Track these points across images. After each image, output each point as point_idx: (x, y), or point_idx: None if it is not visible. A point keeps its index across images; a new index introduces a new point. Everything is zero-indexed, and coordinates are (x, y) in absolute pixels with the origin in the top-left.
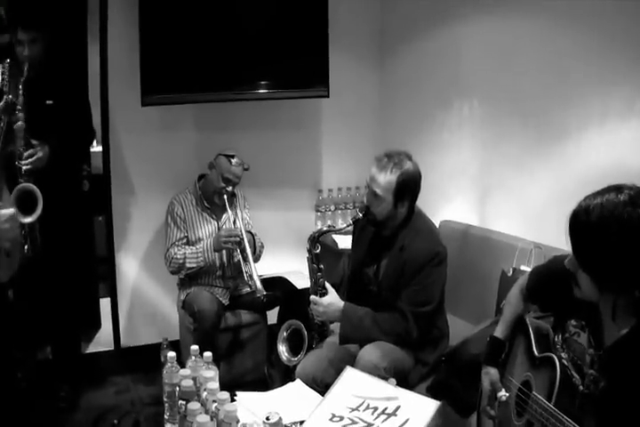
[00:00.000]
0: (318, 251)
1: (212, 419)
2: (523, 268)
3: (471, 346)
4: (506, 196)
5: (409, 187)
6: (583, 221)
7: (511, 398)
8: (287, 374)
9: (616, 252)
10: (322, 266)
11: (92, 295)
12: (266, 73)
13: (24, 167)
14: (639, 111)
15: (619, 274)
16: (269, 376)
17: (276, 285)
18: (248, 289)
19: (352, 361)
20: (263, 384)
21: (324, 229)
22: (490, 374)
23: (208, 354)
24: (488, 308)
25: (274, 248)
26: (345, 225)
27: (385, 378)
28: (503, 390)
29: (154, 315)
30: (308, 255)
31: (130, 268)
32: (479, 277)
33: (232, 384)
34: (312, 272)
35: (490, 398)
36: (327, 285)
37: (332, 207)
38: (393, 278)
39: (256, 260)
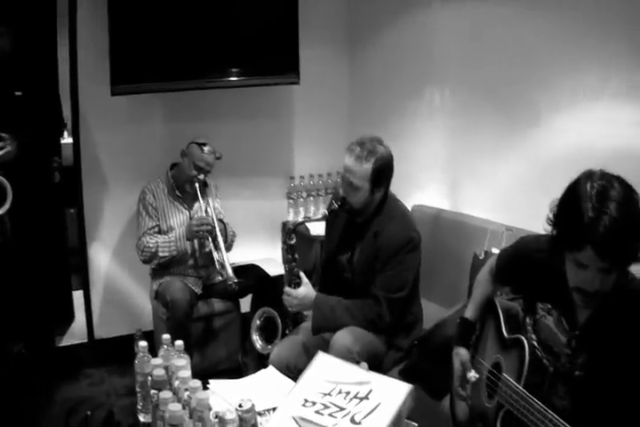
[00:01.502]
0: (293, 242)
1: (184, 407)
2: (494, 250)
3: (444, 329)
4: (477, 181)
5: (384, 172)
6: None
7: (482, 381)
8: (261, 362)
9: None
10: (297, 256)
11: (65, 288)
12: (236, 61)
13: None
14: (609, 94)
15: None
16: (243, 365)
17: (249, 272)
18: (220, 278)
19: (326, 347)
20: (237, 373)
21: (300, 220)
22: (460, 354)
23: (179, 343)
24: (461, 291)
25: (246, 236)
26: (320, 216)
27: (357, 362)
28: (473, 371)
29: (127, 306)
30: (282, 246)
31: (102, 259)
32: (452, 261)
33: (206, 373)
34: (287, 262)
35: (461, 379)
36: (302, 274)
37: (305, 194)
38: (367, 264)
39: (228, 248)
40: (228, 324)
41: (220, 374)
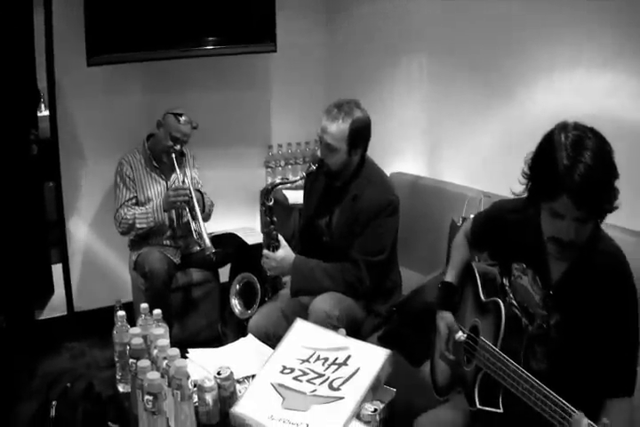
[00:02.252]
0: (271, 203)
1: (162, 376)
2: (472, 217)
3: (422, 295)
4: (455, 148)
5: (361, 134)
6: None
7: (460, 345)
8: (241, 332)
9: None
10: (275, 219)
11: (44, 261)
12: (213, 29)
13: None
14: (586, 62)
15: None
16: (223, 334)
17: (227, 241)
18: (198, 248)
19: (304, 313)
20: (217, 343)
21: (277, 181)
22: (445, 318)
23: (157, 312)
24: (439, 258)
25: (224, 206)
26: (298, 177)
27: (336, 327)
28: (460, 331)
29: (106, 278)
30: (261, 208)
31: (81, 232)
32: (430, 227)
33: (186, 343)
34: (265, 225)
35: (447, 342)
36: (280, 238)
37: (283, 163)
38: (346, 228)
39: (206, 218)
40: (208, 294)
41: (200, 344)
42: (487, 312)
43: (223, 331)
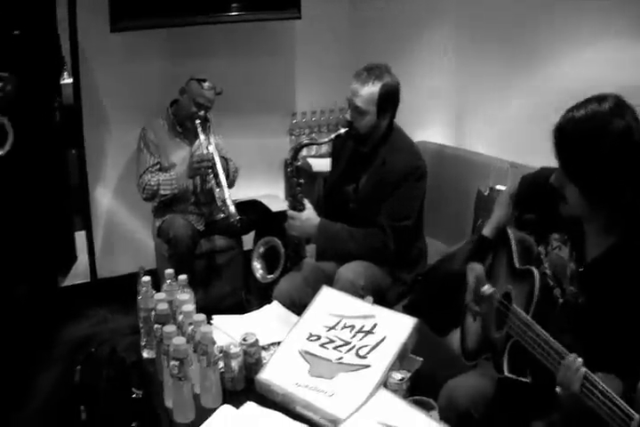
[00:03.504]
0: (299, 163)
1: (188, 341)
2: (499, 187)
3: (448, 264)
4: (481, 116)
5: (390, 98)
6: (569, 133)
7: (492, 310)
8: (265, 299)
9: (605, 161)
10: (302, 180)
11: (67, 229)
12: None
13: None
14: (613, 33)
15: (609, 184)
16: (247, 301)
17: (251, 208)
18: (222, 215)
19: (329, 281)
20: (241, 309)
21: (306, 141)
22: (475, 269)
23: (183, 277)
24: (464, 228)
25: (248, 173)
26: (326, 139)
27: (362, 296)
28: (488, 284)
29: (130, 245)
30: (287, 169)
31: (104, 198)
32: (455, 197)
33: (209, 310)
34: (291, 187)
35: (474, 294)
36: (305, 201)
37: (307, 131)
38: (372, 194)
39: (231, 185)
40: (231, 261)
41: (224, 311)
42: (521, 280)
43: (247, 298)
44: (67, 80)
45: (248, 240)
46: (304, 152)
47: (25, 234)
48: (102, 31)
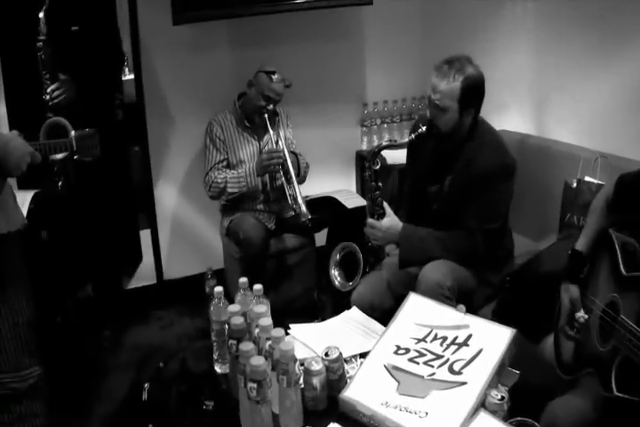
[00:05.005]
0: (378, 167)
1: (265, 358)
2: (588, 179)
3: (538, 264)
4: (566, 102)
5: (474, 92)
6: None
7: (594, 320)
8: (339, 299)
9: None
10: (380, 184)
11: (132, 228)
12: None
13: (51, 102)
14: None
15: None
16: (320, 302)
17: (324, 205)
18: (293, 213)
19: (411, 283)
20: (313, 311)
21: (385, 143)
22: (570, 291)
23: (258, 287)
24: (550, 222)
25: (319, 166)
26: (407, 140)
27: (449, 298)
28: (582, 310)
29: (196, 244)
30: (366, 172)
31: (169, 197)
32: (540, 190)
33: (281, 312)
34: (369, 191)
35: (569, 318)
36: (385, 205)
37: (379, 121)
38: (459, 195)
39: (301, 181)
40: (303, 260)
41: (296, 312)
42: (629, 288)
43: (320, 298)
44: (128, 76)
45: (320, 237)
46: (375, 144)
47: (90, 234)
48: (163, 23)
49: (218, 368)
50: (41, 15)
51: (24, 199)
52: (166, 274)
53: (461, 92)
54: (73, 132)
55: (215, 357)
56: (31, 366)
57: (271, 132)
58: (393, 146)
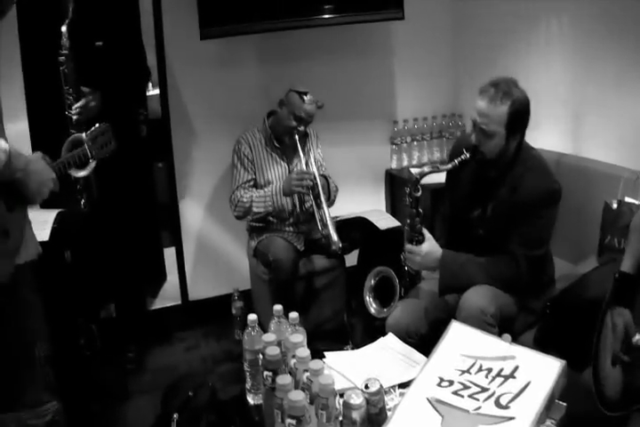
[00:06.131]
0: (419, 194)
1: (303, 390)
2: (629, 200)
3: (580, 289)
4: (603, 120)
5: (521, 116)
6: None
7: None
8: (369, 322)
9: None
10: (421, 211)
11: (156, 247)
12: None
13: (74, 117)
14: None
15: None
16: (350, 325)
17: (355, 226)
18: (323, 239)
19: (449, 309)
20: (343, 334)
21: (427, 170)
22: (623, 315)
23: (294, 315)
24: (590, 245)
25: (348, 185)
26: (450, 166)
27: (492, 325)
28: (638, 334)
29: (222, 264)
30: (408, 199)
31: (194, 215)
32: (577, 212)
33: (309, 335)
34: (410, 218)
35: (623, 343)
36: (425, 231)
37: (409, 139)
38: (503, 220)
39: (330, 205)
40: (332, 282)
41: (325, 336)
42: None
43: (350, 322)
44: (152, 92)
45: (350, 258)
46: (404, 162)
47: (113, 253)
48: (190, 39)
49: (250, 399)
50: (63, 29)
51: (47, 218)
52: (191, 295)
53: (509, 117)
54: (84, 135)
55: (248, 386)
56: (49, 402)
57: (301, 154)
58: (435, 172)
